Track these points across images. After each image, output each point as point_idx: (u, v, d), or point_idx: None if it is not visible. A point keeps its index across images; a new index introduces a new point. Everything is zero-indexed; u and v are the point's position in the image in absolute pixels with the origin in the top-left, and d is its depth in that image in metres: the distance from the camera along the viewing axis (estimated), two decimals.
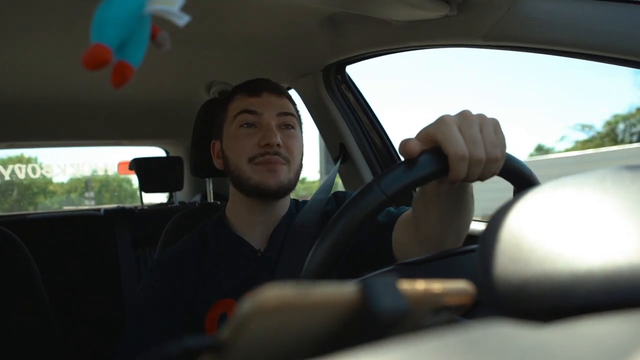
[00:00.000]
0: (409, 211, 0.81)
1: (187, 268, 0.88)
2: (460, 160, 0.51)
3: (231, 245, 0.91)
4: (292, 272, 0.84)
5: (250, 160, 0.88)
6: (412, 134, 0.55)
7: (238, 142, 0.90)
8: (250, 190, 0.89)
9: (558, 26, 0.78)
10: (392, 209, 0.90)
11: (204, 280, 0.87)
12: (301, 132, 0.98)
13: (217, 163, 0.98)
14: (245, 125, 0.90)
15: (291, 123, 0.92)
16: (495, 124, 0.54)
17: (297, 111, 0.98)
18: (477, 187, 0.65)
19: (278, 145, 0.87)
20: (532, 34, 0.81)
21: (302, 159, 0.95)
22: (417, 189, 0.68)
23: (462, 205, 0.66)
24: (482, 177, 0.55)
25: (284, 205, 0.96)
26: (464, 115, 0.54)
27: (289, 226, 0.93)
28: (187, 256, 0.90)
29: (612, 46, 0.74)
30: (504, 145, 0.54)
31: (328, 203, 0.98)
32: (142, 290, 0.88)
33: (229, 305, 0.84)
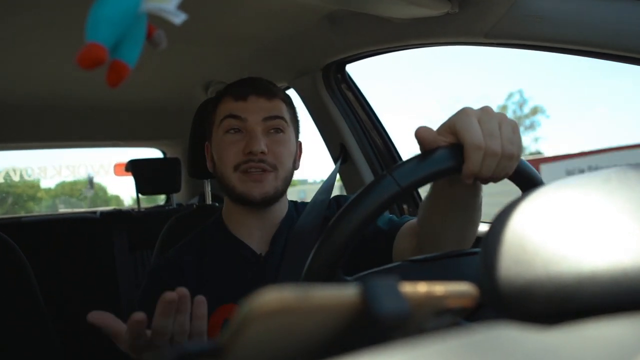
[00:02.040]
0: (412, 221, 0.82)
1: (186, 273, 0.88)
2: (476, 149, 0.51)
3: (232, 249, 0.91)
4: (294, 277, 0.83)
5: (236, 168, 0.87)
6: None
7: (223, 149, 0.89)
8: (235, 198, 0.89)
9: (560, 23, 0.78)
10: (395, 217, 0.90)
11: (204, 285, 0.86)
12: (296, 133, 0.96)
13: (210, 166, 0.98)
14: (231, 131, 0.89)
15: (280, 127, 0.90)
16: (513, 125, 0.56)
17: (294, 112, 0.96)
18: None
19: (263, 152, 0.86)
20: (534, 32, 0.81)
21: (293, 164, 0.93)
22: (425, 196, 0.68)
23: (470, 213, 0.66)
24: (496, 176, 0.55)
25: (280, 208, 0.95)
26: (485, 109, 0.55)
27: (290, 229, 0.92)
28: (186, 261, 0.90)
29: (615, 43, 0.74)
30: (520, 146, 0.55)
31: (329, 207, 0.97)
32: (141, 296, 0.88)
33: (231, 311, 0.83)
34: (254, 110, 0.89)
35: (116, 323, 0.60)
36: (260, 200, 0.87)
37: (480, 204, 0.67)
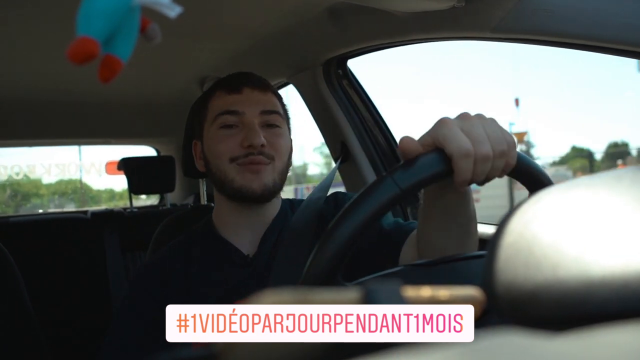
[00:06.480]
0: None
1: (173, 276, 0.88)
2: (465, 157, 0.51)
3: (219, 250, 0.91)
4: (286, 277, 0.83)
5: (233, 160, 0.87)
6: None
7: (219, 144, 0.89)
8: (233, 193, 0.89)
9: (570, 18, 0.78)
10: (401, 221, 0.90)
11: (191, 288, 0.87)
12: (289, 129, 0.97)
13: (199, 164, 0.98)
14: (226, 127, 0.89)
15: (276, 122, 0.91)
16: (495, 122, 0.56)
17: (284, 106, 0.97)
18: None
19: (262, 145, 0.86)
20: (542, 26, 0.81)
21: (289, 158, 0.94)
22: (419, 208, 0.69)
23: (464, 223, 0.66)
24: (492, 176, 0.55)
25: (273, 206, 0.95)
26: (464, 116, 0.56)
27: (282, 228, 0.92)
28: (173, 263, 0.90)
29: (624, 38, 0.74)
30: (511, 140, 0.55)
31: (327, 204, 0.97)
32: (127, 297, 0.89)
33: None
34: (250, 103, 0.89)
35: None
36: (260, 194, 0.87)
37: (474, 213, 0.67)
